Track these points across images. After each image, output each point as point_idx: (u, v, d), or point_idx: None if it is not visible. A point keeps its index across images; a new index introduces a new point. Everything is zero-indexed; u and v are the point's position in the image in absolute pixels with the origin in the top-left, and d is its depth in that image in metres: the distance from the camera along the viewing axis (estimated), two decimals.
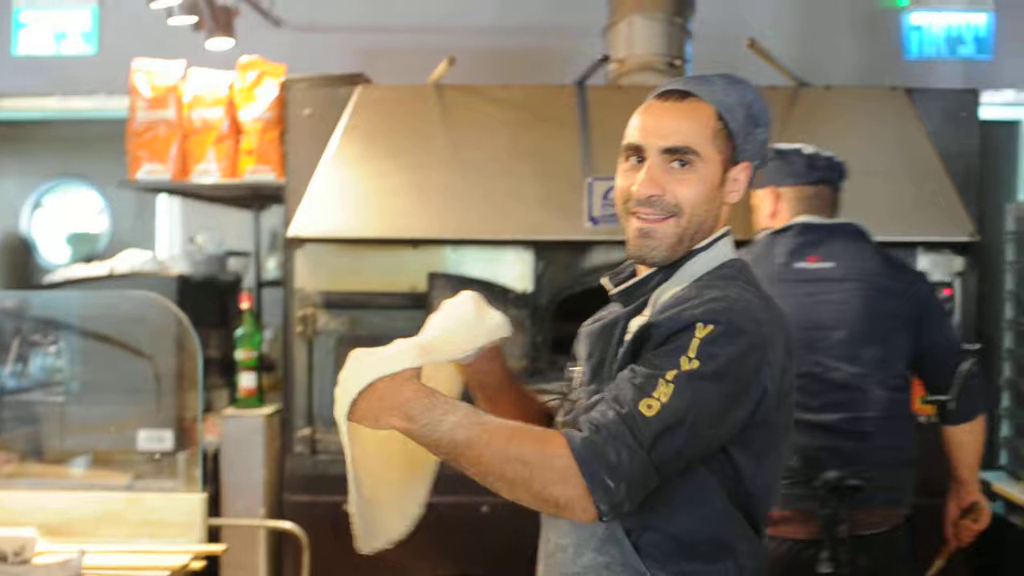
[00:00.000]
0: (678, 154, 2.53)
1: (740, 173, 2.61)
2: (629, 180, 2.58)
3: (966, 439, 4.23)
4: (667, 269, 2.60)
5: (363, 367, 2.42)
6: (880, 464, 4.05)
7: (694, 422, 2.35)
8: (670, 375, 2.35)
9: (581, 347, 2.72)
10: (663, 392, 2.34)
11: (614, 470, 2.30)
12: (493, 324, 2.67)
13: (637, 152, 2.58)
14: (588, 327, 2.72)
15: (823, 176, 4.25)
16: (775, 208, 4.27)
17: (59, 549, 3.60)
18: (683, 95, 2.58)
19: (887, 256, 4.26)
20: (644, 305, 2.59)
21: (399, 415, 2.39)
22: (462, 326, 2.64)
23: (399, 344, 2.47)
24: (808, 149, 4.24)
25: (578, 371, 2.70)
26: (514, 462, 2.33)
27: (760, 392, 2.43)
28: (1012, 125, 6.93)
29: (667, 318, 2.45)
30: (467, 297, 2.69)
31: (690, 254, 2.59)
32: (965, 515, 4.30)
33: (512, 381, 2.84)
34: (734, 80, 2.63)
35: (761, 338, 2.43)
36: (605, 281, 2.75)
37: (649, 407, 2.33)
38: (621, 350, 2.52)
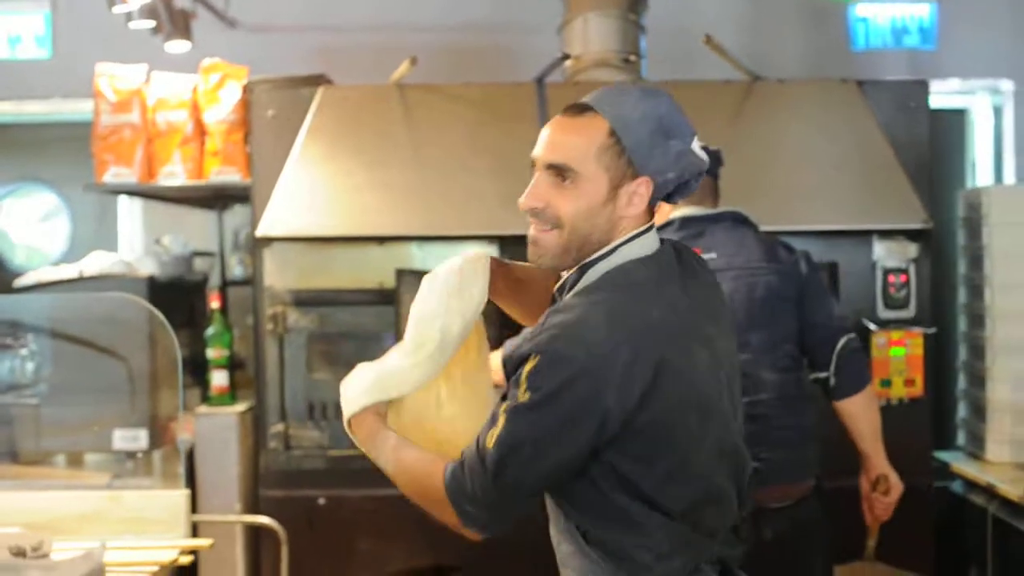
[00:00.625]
0: (558, 170, 2.63)
1: (639, 187, 2.65)
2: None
3: (855, 412, 4.33)
4: (575, 274, 2.71)
5: (346, 401, 2.85)
6: (778, 444, 4.20)
7: (528, 449, 2.52)
8: (504, 407, 2.55)
9: None
10: (500, 424, 2.53)
11: (472, 499, 2.57)
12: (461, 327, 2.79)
13: (533, 164, 2.69)
14: None
15: None
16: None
17: (70, 546, 3.67)
18: (581, 110, 2.65)
19: (767, 240, 4.39)
20: None
21: (364, 446, 2.82)
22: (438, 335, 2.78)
23: (364, 375, 2.85)
24: None
25: None
26: (420, 491, 2.69)
27: (601, 411, 2.49)
28: (960, 113, 7.07)
29: (517, 347, 2.67)
30: (439, 288, 2.80)
31: (591, 262, 2.68)
32: (875, 488, 4.39)
33: (518, 279, 2.99)
34: (649, 93, 2.68)
35: (592, 361, 2.48)
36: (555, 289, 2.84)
37: (491, 438, 2.54)
38: None
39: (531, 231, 2.69)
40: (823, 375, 4.32)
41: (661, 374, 2.52)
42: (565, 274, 2.77)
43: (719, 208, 4.43)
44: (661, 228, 4.25)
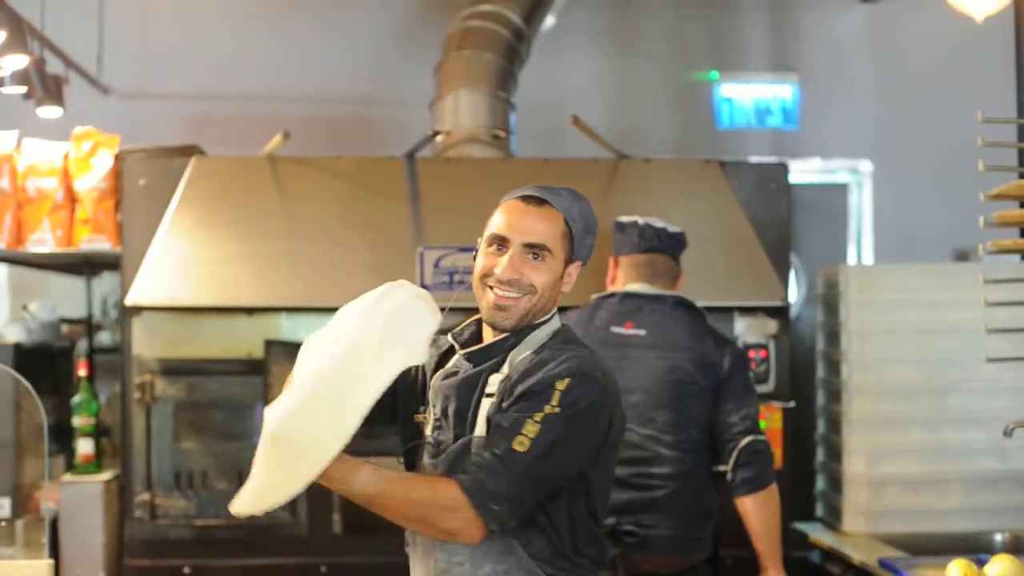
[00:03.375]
0: (535, 249, 3.10)
1: (574, 269, 3.21)
2: (492, 262, 3.12)
3: (749, 512, 4.46)
4: (518, 334, 3.15)
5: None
6: (667, 515, 4.41)
7: (557, 452, 2.96)
8: (537, 417, 2.95)
9: (436, 396, 3.20)
10: (531, 431, 2.94)
11: (495, 496, 2.89)
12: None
13: (501, 241, 3.12)
14: (445, 380, 3.18)
15: (652, 245, 4.65)
16: (613, 275, 4.75)
17: None
18: (541, 201, 3.13)
19: (701, 328, 4.61)
20: (501, 363, 3.13)
21: (334, 481, 2.88)
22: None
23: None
24: (641, 221, 4.67)
25: (429, 416, 3.20)
26: (415, 505, 2.92)
27: (607, 425, 3.08)
28: (828, 189, 7.26)
29: (536, 380, 3.02)
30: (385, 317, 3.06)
31: (535, 325, 3.16)
32: None
33: None
34: (576, 195, 3.21)
35: (606, 382, 3.09)
36: (450, 338, 3.24)
37: (520, 444, 2.93)
38: (487, 400, 3.09)
39: (495, 298, 3.10)
40: (722, 469, 4.46)
41: (618, 405, 3.15)
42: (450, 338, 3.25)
43: (668, 291, 4.66)
44: (605, 298, 4.66)
